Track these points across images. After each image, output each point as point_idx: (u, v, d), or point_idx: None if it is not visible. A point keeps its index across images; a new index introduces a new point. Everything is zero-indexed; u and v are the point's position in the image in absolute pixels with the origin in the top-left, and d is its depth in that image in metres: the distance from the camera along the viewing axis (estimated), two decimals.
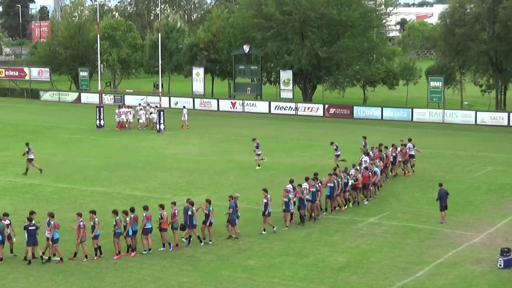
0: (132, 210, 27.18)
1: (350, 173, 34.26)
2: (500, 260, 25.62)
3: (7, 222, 26.49)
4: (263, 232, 29.39)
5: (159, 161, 44.97)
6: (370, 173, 34.92)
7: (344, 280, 24.56)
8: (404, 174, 40.88)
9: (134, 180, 39.66)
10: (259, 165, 42.62)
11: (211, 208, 28.32)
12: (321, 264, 26.16)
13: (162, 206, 27.70)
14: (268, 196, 29.53)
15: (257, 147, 42.86)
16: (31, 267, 25.57)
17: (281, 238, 29.23)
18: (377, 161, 37.27)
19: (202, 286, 24.01)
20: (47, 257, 26.09)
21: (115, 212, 26.92)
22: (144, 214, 27.07)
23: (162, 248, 27.42)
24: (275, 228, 29.70)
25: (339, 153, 42.24)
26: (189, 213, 27.90)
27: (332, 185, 32.44)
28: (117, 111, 59.64)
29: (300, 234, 29.78)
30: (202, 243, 28.03)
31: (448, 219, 31.88)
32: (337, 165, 40.51)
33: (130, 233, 26.84)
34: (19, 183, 38.86)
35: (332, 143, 42.69)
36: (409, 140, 42.07)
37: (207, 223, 28.29)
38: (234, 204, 28.70)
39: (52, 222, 26.17)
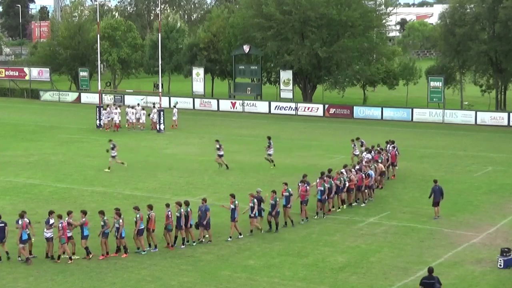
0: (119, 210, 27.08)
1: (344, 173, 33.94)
2: (500, 260, 25.62)
3: (26, 220, 26.45)
4: (229, 239, 28.73)
5: (159, 161, 44.96)
6: (363, 175, 34.41)
7: (344, 280, 24.56)
8: (393, 177, 40.08)
9: (134, 180, 39.66)
10: (109, 168, 41.79)
11: (189, 210, 28.03)
12: (321, 264, 26.16)
13: (150, 207, 27.59)
14: (236, 202, 28.93)
15: (112, 148, 41.97)
16: (31, 267, 25.57)
17: (281, 238, 29.24)
18: (374, 163, 36.82)
19: (202, 286, 24.01)
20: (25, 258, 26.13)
21: (101, 213, 26.79)
22: (138, 215, 26.98)
23: (151, 249, 27.37)
24: (241, 236, 29.03)
25: (221, 152, 41.94)
26: (181, 213, 27.81)
27: (322, 188, 31.92)
28: (104, 111, 58.74)
29: (300, 234, 29.79)
30: (184, 246, 27.90)
31: (448, 219, 31.92)
32: (221, 164, 41.67)
33: (123, 234, 26.72)
34: (19, 183, 38.86)
35: (216, 141, 42.56)
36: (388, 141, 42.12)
37: (187, 225, 28.04)
38: (207, 207, 28.39)
39: (20, 222, 26.09)
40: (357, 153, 41.73)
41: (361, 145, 42.32)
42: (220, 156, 42.15)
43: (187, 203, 28.22)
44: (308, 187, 31.55)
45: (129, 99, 73.17)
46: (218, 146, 42.17)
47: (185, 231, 28.03)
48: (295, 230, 30.24)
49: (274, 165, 42.47)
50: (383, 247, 28.05)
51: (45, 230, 26.38)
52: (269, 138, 43.16)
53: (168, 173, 41.38)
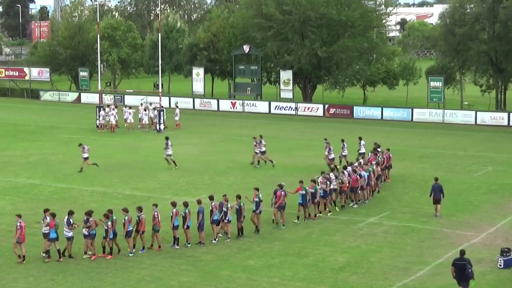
0: (111, 212, 26.89)
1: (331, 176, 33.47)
2: (500, 260, 25.61)
3: (48, 220, 26.48)
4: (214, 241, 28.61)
5: (159, 161, 44.91)
6: (357, 176, 33.97)
7: (344, 280, 24.56)
8: (388, 180, 39.49)
9: (134, 180, 39.66)
10: None
11: (187, 211, 27.87)
12: (321, 264, 26.16)
13: (140, 209, 27.41)
14: (213, 203, 28.67)
15: None
16: (31, 267, 25.56)
17: (281, 238, 29.23)
18: (374, 165, 36.35)
19: (202, 286, 24.01)
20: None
21: (88, 214, 26.53)
22: (126, 217, 26.82)
23: (142, 251, 27.21)
24: (214, 241, 28.62)
25: (86, 154, 41.31)
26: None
27: (303, 192, 31.22)
28: (103, 112, 58.64)
29: (300, 234, 29.79)
30: (178, 246, 27.72)
31: (448, 219, 31.92)
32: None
33: (112, 236, 26.54)
34: (19, 183, 38.87)
35: (82, 147, 41.97)
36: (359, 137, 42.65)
37: (184, 226, 27.88)
38: (201, 208, 28.18)
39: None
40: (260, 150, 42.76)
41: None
42: (85, 159, 41.55)
43: (186, 204, 28.16)
44: (284, 192, 30.56)
45: (129, 99, 73.21)
46: (84, 149, 41.68)
47: (185, 232, 27.99)
48: (295, 230, 30.23)
49: (176, 165, 42.47)
50: (383, 247, 28.05)
51: (65, 229, 26.38)
52: (166, 138, 43.35)
53: (168, 173, 41.38)
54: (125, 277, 24.70)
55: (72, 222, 26.50)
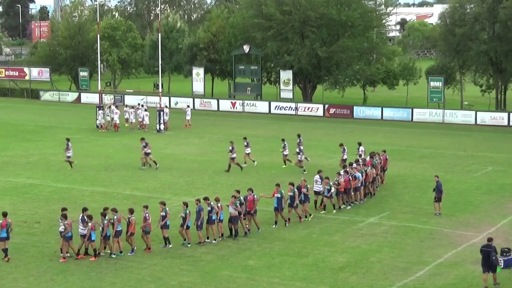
0: (104, 215, 26.74)
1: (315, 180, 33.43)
2: (500, 260, 25.59)
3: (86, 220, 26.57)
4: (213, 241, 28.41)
5: (159, 161, 44.90)
6: (350, 177, 33.74)
7: (344, 280, 24.55)
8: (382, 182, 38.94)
9: (134, 180, 39.65)
10: None
11: (187, 211, 27.72)
12: (321, 264, 26.15)
13: (131, 211, 27.24)
14: (216, 204, 28.42)
15: None
16: (31, 267, 25.56)
17: (281, 238, 29.24)
18: (369, 168, 35.80)
19: (202, 286, 24.01)
20: None
21: (64, 216, 26.28)
22: (115, 217, 26.69)
23: (130, 253, 26.99)
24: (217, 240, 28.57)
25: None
26: (182, 215, 27.64)
27: (279, 195, 30.59)
28: (101, 111, 58.90)
29: (300, 234, 29.79)
30: (171, 245, 27.62)
31: (448, 219, 31.93)
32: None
33: (93, 237, 26.31)
34: (19, 183, 38.85)
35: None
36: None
37: (184, 226, 27.76)
38: (202, 208, 28.05)
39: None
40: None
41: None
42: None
43: (186, 204, 28.09)
44: (255, 197, 30.00)
45: (129, 99, 73.21)
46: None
47: (185, 232, 27.97)
48: (295, 230, 30.23)
49: (71, 167, 42.24)
50: (383, 247, 28.05)
51: (80, 227, 26.40)
52: (67, 140, 43.30)
53: (168, 173, 41.38)
54: (125, 277, 24.70)
55: (86, 220, 26.43)
